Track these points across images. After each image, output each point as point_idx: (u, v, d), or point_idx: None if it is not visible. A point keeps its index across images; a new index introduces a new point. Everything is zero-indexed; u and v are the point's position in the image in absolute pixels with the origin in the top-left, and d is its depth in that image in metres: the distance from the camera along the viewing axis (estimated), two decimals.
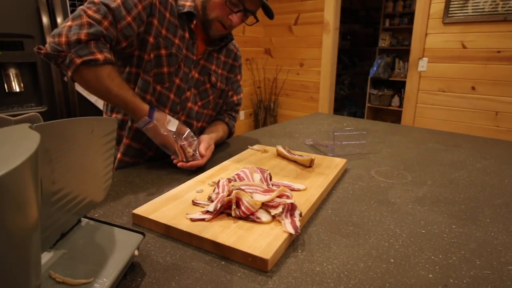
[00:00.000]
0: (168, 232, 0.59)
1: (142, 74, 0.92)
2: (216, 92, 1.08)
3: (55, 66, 0.84)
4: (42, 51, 0.78)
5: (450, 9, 2.58)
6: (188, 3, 0.93)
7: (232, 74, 1.13)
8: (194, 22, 0.94)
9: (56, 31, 0.78)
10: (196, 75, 1.00)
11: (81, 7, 0.81)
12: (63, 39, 0.77)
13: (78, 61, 0.77)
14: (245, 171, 0.76)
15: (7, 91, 1.63)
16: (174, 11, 0.92)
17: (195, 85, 1.01)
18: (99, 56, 0.78)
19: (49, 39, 0.78)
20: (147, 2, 0.86)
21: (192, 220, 0.59)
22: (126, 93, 0.84)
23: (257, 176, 0.74)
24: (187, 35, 0.95)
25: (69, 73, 0.79)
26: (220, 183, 0.72)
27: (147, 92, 0.93)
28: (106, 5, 0.81)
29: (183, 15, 0.93)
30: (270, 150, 1.03)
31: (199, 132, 1.09)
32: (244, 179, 0.74)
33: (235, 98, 1.17)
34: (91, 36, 0.78)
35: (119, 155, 0.97)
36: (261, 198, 0.63)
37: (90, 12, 0.79)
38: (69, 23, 0.78)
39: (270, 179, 0.76)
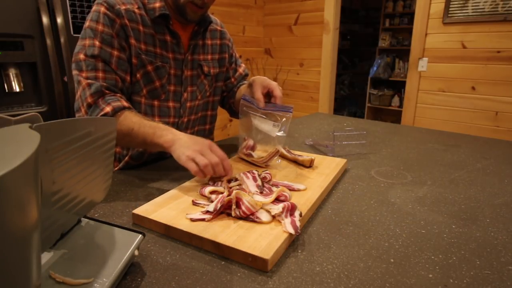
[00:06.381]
0: (168, 232, 0.59)
1: (132, 96, 0.91)
2: (210, 78, 1.07)
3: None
4: None
5: (450, 9, 2.58)
6: (157, 4, 0.89)
7: (225, 53, 1.10)
8: (171, 22, 0.91)
9: (75, 107, 0.86)
10: (189, 73, 0.99)
11: (75, 72, 0.85)
12: (82, 110, 0.83)
13: None
14: (242, 177, 0.75)
15: (7, 91, 1.63)
16: (145, 21, 0.89)
17: (191, 82, 1.00)
18: (108, 109, 0.81)
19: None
20: (116, 26, 0.85)
21: (192, 220, 0.59)
22: (150, 121, 0.81)
23: (251, 183, 0.72)
24: (168, 37, 0.93)
25: None
26: (219, 183, 0.72)
27: (140, 111, 0.91)
28: (92, 56, 0.83)
29: (157, 19, 0.89)
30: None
31: (207, 120, 1.12)
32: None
33: (240, 70, 1.16)
34: (95, 96, 0.82)
35: (126, 158, 0.96)
36: (261, 199, 0.63)
37: (84, 74, 0.83)
38: (78, 94, 0.84)
39: (269, 181, 0.76)
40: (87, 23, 0.86)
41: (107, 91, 0.83)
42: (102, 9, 0.84)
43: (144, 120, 0.82)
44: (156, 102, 0.94)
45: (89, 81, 0.82)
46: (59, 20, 1.68)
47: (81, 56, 0.84)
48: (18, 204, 0.25)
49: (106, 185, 0.53)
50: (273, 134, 0.84)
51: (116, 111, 0.81)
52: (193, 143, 0.74)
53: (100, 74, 0.83)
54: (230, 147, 1.13)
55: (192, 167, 0.71)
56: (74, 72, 0.85)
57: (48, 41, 1.66)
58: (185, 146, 0.74)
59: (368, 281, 0.48)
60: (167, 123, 0.96)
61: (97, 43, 0.83)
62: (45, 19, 1.64)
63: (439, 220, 0.65)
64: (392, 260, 0.53)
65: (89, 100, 0.82)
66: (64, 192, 0.41)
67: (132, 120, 0.81)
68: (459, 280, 0.48)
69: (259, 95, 0.87)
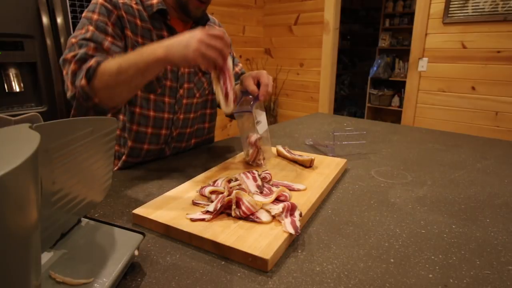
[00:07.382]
0: (168, 232, 0.59)
1: None
2: (209, 76, 1.06)
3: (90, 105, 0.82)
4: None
5: (450, 9, 2.58)
6: (154, 0, 0.89)
7: None
8: (169, 17, 0.91)
9: (65, 90, 0.83)
10: (186, 70, 0.99)
11: (62, 57, 0.83)
12: (68, 83, 0.81)
13: (83, 82, 0.76)
14: (242, 177, 0.74)
15: (7, 91, 1.63)
16: (143, 16, 0.89)
17: (188, 79, 1.00)
18: (91, 63, 0.77)
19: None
20: (113, 16, 0.85)
21: (192, 220, 0.59)
22: (133, 52, 0.78)
23: (251, 183, 0.72)
24: (165, 33, 0.93)
25: (96, 100, 0.79)
26: (219, 183, 0.72)
27: (136, 104, 0.92)
28: (83, 39, 0.82)
29: (155, 14, 0.90)
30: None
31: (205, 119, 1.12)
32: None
33: (237, 69, 1.17)
34: (79, 62, 0.79)
35: (124, 157, 0.96)
36: (261, 199, 0.63)
37: (73, 53, 0.81)
38: (64, 72, 0.82)
39: (269, 181, 0.76)
40: (83, 14, 0.86)
41: (90, 58, 0.80)
42: (100, 0, 0.85)
43: (127, 53, 0.78)
44: (152, 96, 0.94)
45: (77, 53, 0.80)
46: (59, 20, 1.68)
47: (73, 40, 0.83)
48: (18, 204, 0.25)
49: (106, 185, 0.53)
50: (259, 134, 0.86)
51: (99, 62, 0.78)
52: (190, 38, 0.70)
53: (91, 49, 0.81)
54: (230, 147, 1.13)
55: (203, 63, 0.69)
56: (62, 58, 0.83)
57: (48, 41, 1.66)
58: (183, 44, 0.70)
59: (368, 281, 0.48)
60: (162, 118, 0.97)
61: (90, 28, 0.83)
62: (45, 19, 1.64)
63: (439, 220, 0.65)
64: (392, 260, 0.53)
65: (73, 67, 0.79)
66: (64, 192, 0.41)
67: (116, 58, 0.78)
68: (459, 280, 0.48)
69: (252, 86, 0.87)
